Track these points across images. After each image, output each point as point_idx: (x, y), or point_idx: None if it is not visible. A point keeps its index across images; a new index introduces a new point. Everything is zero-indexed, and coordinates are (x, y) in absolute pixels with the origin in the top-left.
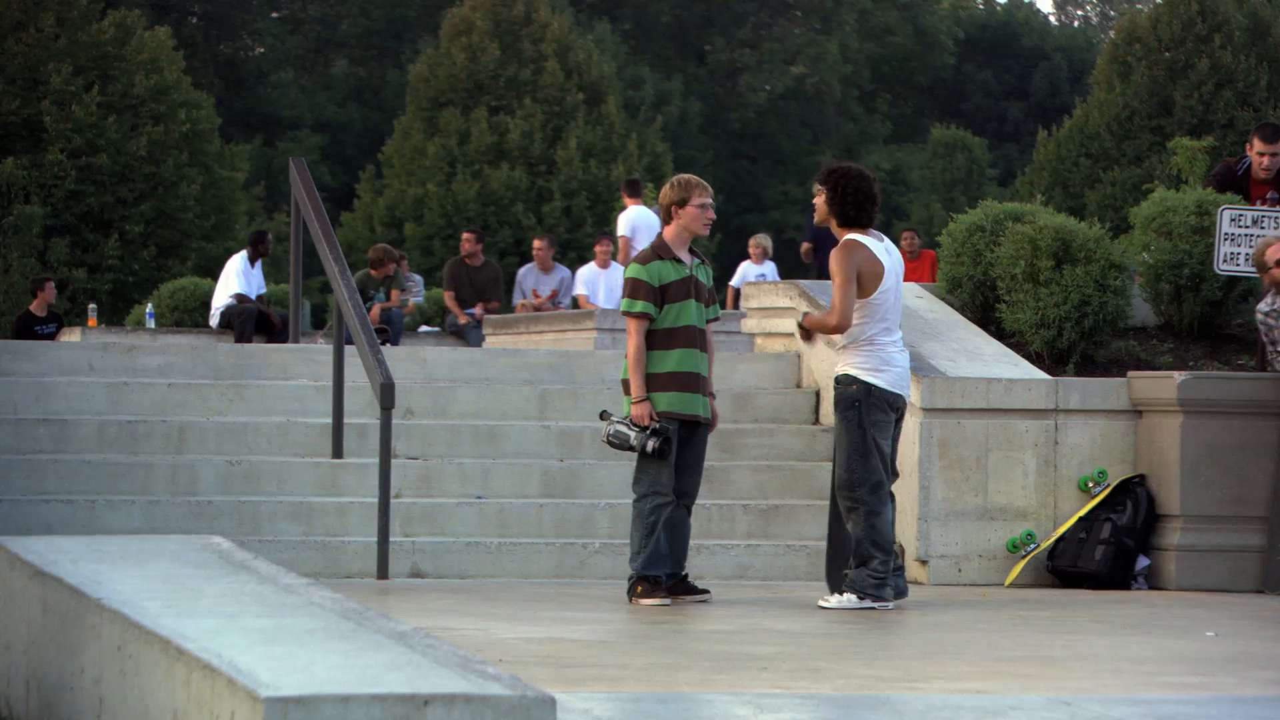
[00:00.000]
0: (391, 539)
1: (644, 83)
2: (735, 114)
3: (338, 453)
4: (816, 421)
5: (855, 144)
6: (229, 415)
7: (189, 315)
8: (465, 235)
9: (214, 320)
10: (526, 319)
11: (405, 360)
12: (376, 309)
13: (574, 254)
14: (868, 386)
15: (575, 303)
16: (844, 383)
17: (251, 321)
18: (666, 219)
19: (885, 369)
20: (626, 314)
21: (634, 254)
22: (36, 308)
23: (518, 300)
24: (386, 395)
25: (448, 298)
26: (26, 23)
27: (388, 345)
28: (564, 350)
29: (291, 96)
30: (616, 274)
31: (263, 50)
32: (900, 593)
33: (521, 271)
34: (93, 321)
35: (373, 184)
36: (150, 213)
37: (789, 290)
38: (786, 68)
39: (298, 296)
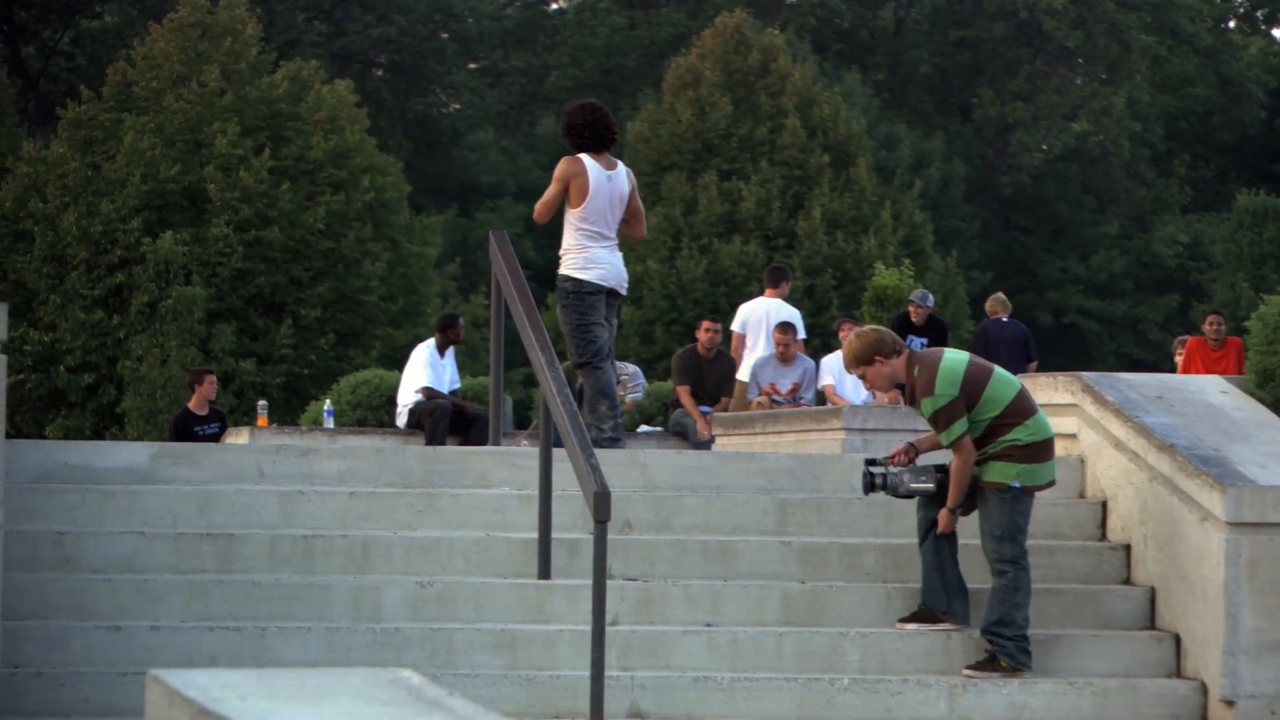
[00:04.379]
0: (607, 673)
1: (900, 142)
2: (1006, 178)
3: (545, 573)
4: (1103, 537)
5: (1147, 212)
6: (419, 529)
7: (373, 413)
8: (705, 323)
9: (401, 419)
10: (762, 418)
11: (623, 465)
12: None
13: (818, 341)
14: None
15: (820, 398)
16: (560, 280)
17: (445, 420)
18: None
19: (593, 267)
20: None
21: (745, 351)
22: (196, 405)
23: (753, 396)
24: (601, 506)
25: (682, 394)
26: (188, 76)
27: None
28: (806, 454)
29: (491, 159)
30: None
31: (458, 107)
32: None
33: (757, 362)
34: (262, 420)
35: None
36: (328, 295)
37: (1070, 384)
38: (1067, 124)
39: (499, 391)
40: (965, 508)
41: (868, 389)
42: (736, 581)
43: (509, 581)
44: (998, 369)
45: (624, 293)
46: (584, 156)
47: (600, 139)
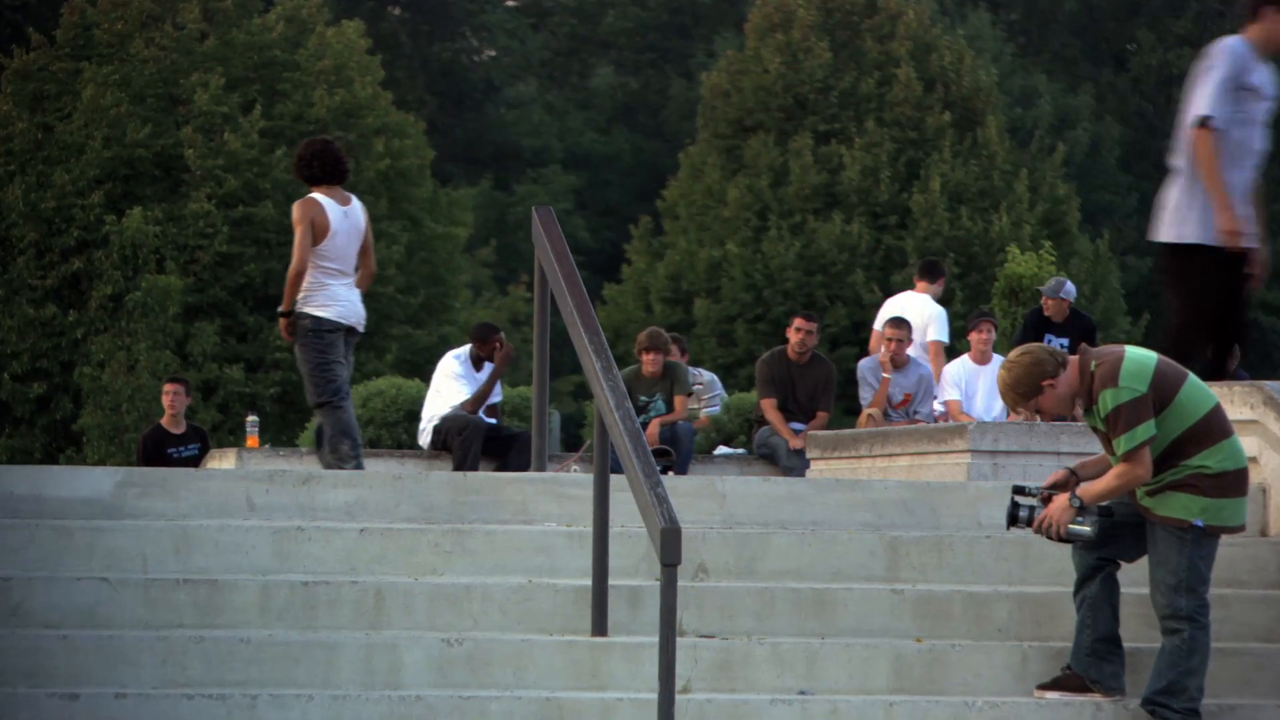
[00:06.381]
0: None
1: (1038, 97)
2: (1169, 142)
3: (600, 628)
4: None
5: None
6: (446, 574)
7: (389, 431)
8: (798, 321)
9: (424, 438)
10: (869, 437)
11: (697, 496)
12: (655, 424)
13: None
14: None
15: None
16: (298, 318)
17: (478, 440)
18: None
19: (331, 304)
20: None
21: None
22: (168, 421)
23: (865, 400)
24: (670, 545)
25: (768, 408)
26: (160, 17)
27: (671, 474)
28: (923, 482)
29: (534, 120)
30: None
31: (493, 54)
32: None
33: (862, 366)
34: (252, 441)
35: (649, 243)
36: None
37: (1248, 395)
38: None
39: (543, 405)
40: (1113, 535)
41: (1047, 420)
42: (836, 639)
43: (556, 638)
44: (1193, 375)
45: (361, 330)
46: (318, 195)
47: (329, 172)
